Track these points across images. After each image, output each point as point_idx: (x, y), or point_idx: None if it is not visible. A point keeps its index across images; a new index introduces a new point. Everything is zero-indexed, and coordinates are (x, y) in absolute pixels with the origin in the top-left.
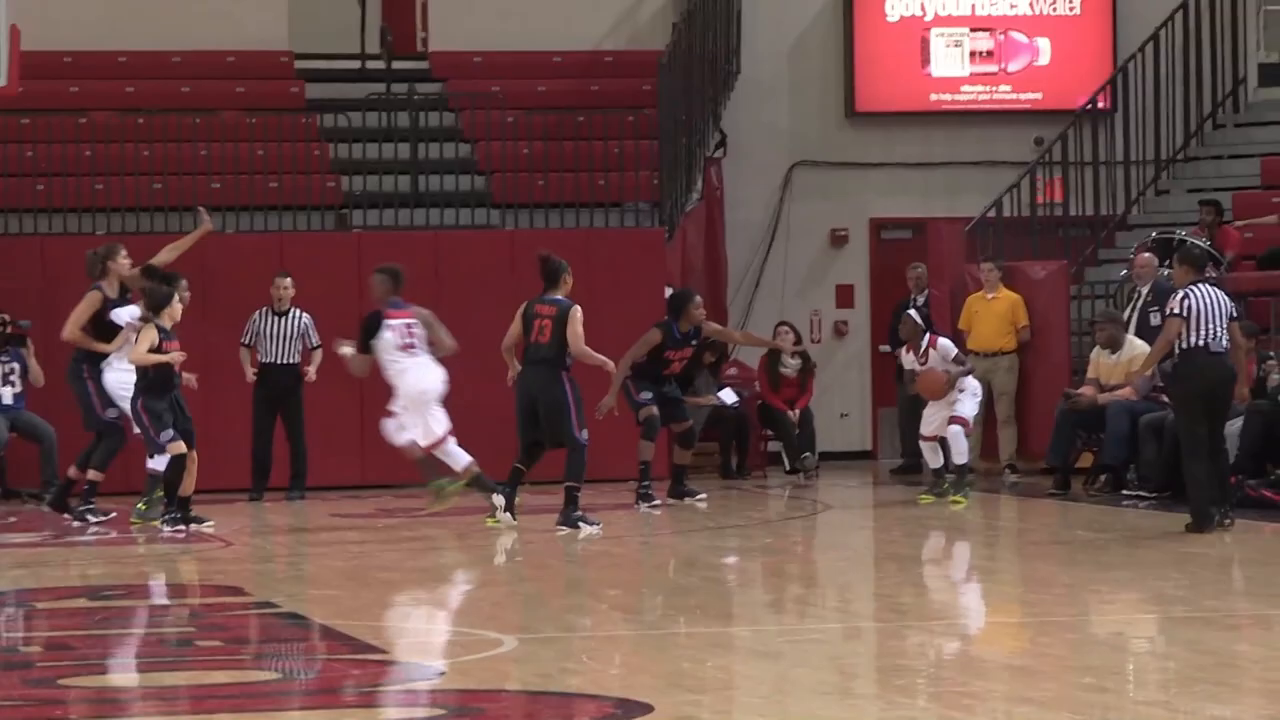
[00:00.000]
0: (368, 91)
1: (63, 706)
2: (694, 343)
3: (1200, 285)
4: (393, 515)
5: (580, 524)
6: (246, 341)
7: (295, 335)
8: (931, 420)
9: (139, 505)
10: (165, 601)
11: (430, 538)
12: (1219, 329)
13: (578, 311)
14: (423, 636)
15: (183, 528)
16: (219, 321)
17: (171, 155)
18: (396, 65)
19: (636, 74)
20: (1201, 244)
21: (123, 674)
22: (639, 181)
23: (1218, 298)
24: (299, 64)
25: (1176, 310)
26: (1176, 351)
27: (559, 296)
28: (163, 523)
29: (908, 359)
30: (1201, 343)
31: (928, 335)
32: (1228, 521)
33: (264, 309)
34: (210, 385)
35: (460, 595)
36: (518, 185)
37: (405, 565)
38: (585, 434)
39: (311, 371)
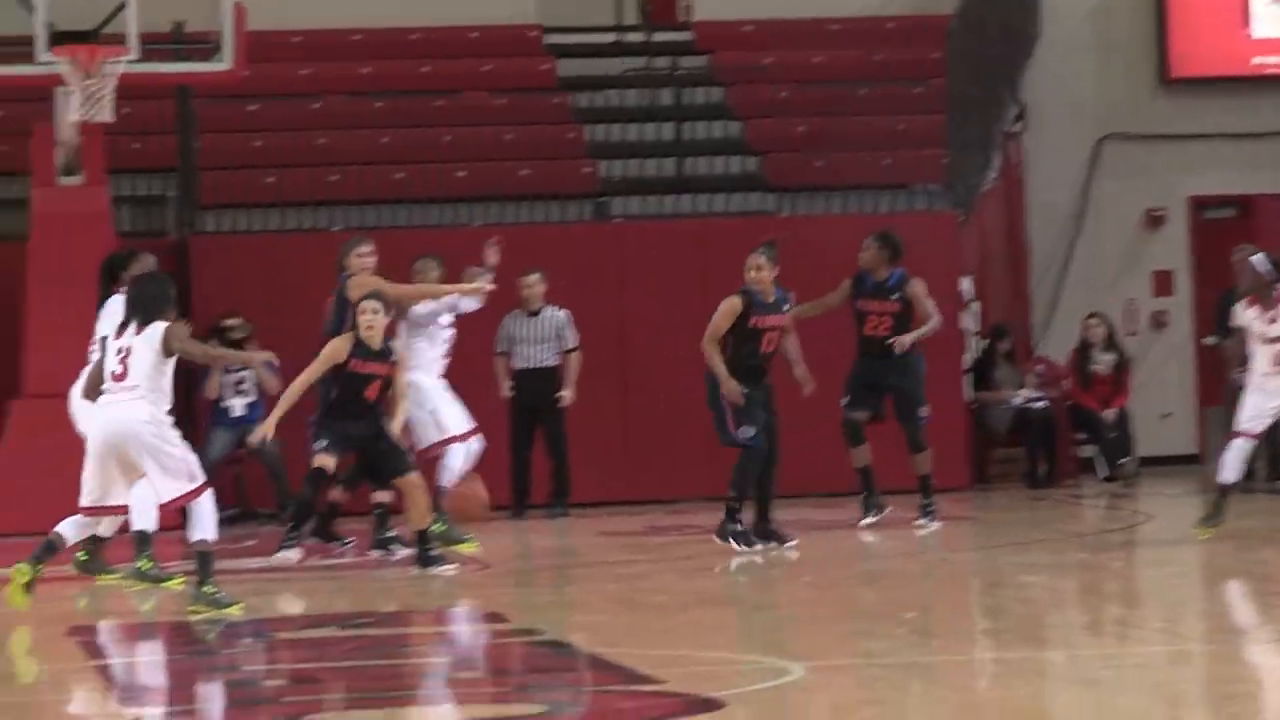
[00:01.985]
0: (625, 67)
1: None
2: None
3: None
4: (665, 533)
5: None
6: (501, 349)
7: (551, 336)
8: (1261, 411)
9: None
10: (420, 630)
11: (706, 557)
12: None
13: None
14: (700, 665)
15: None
16: (471, 327)
17: (412, 141)
18: (657, 37)
19: (923, 41)
20: None
21: (373, 709)
22: (927, 160)
23: None
24: (549, 38)
25: None
26: None
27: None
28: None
29: (1249, 315)
30: None
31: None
32: None
33: (515, 311)
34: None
35: (740, 619)
36: (792, 167)
37: (679, 587)
38: (747, 430)
39: (568, 394)
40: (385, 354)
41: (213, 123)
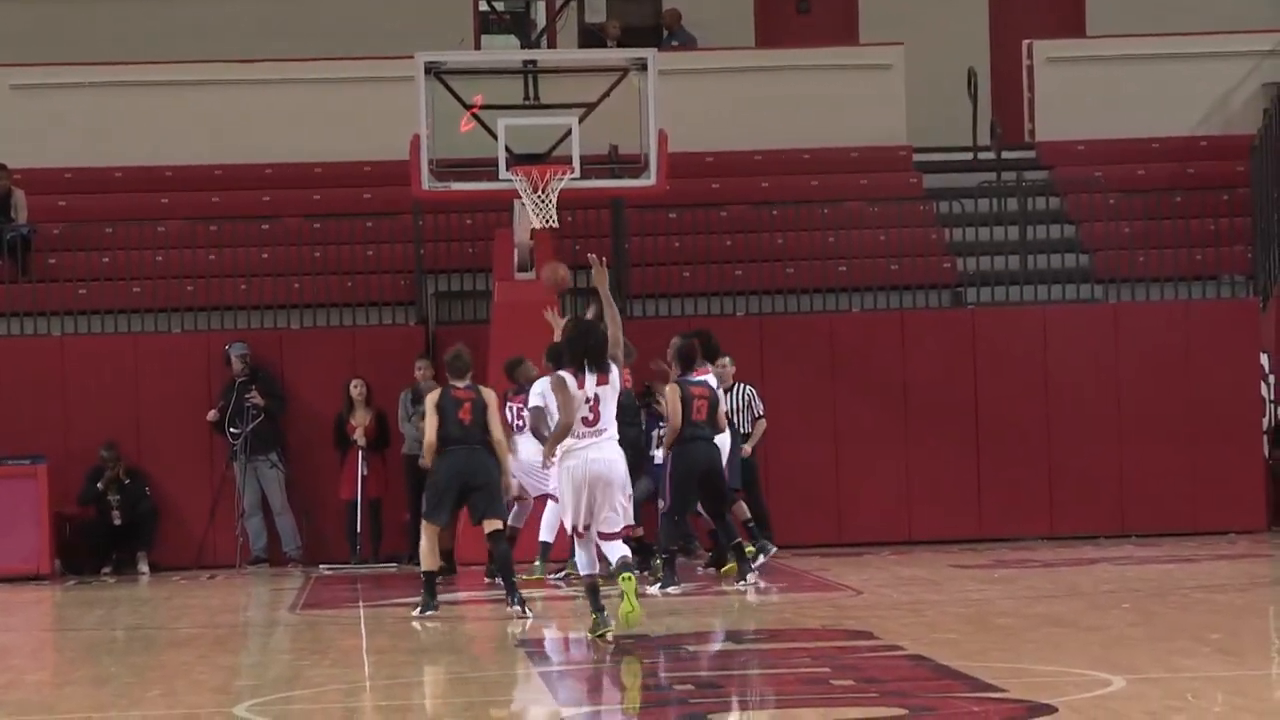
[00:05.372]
0: (980, 180)
1: None
2: None
3: None
4: (1009, 566)
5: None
6: None
7: (743, 407)
8: None
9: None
10: (802, 645)
11: (1042, 587)
12: None
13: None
14: (1038, 676)
15: None
16: (849, 390)
17: (803, 242)
18: (1006, 155)
19: (1229, 156)
20: None
21: (764, 710)
22: (1233, 256)
23: None
24: (917, 157)
25: None
26: None
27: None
28: None
29: None
30: None
31: None
32: None
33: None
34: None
35: (1075, 638)
36: (1119, 262)
37: (1022, 612)
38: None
39: (746, 448)
40: None
41: (640, 227)
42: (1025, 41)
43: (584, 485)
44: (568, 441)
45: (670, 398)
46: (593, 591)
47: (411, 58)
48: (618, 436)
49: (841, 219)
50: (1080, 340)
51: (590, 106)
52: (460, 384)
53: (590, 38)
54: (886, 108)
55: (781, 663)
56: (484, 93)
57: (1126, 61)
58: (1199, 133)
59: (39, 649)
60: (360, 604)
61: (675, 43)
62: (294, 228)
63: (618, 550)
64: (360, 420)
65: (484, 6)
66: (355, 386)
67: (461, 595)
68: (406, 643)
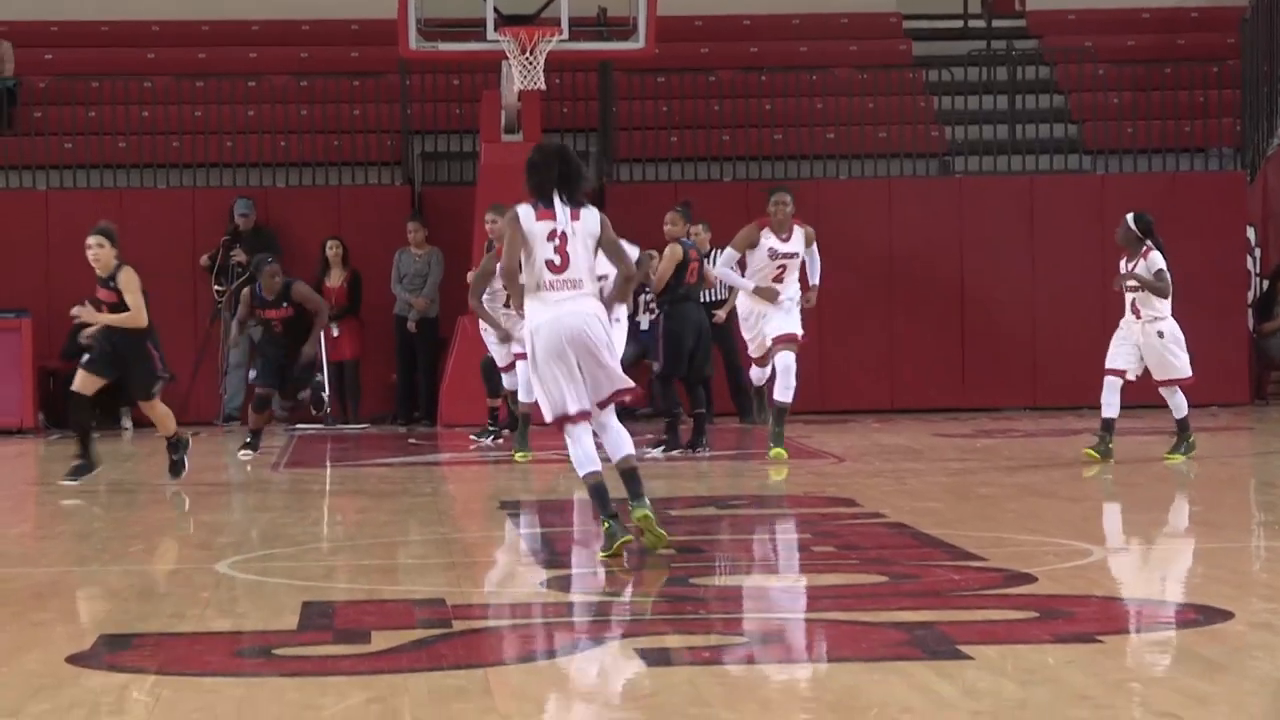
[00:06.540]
0: (970, 48)
1: (694, 603)
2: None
3: None
4: (991, 436)
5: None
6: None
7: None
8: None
9: None
10: (784, 510)
11: (1024, 457)
12: None
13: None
14: (1018, 546)
15: None
16: (834, 257)
17: (791, 109)
18: (996, 24)
19: (1219, 28)
20: None
21: (745, 575)
22: (1222, 128)
23: None
24: (907, 24)
25: None
26: None
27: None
28: None
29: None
30: None
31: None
32: None
33: None
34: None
35: (1055, 508)
36: (1108, 133)
37: (1003, 481)
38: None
39: (720, 314)
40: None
41: (628, 91)
42: None
43: (558, 350)
44: (531, 300)
45: (668, 255)
46: (598, 492)
47: None
48: (597, 292)
49: (830, 85)
50: (1067, 210)
51: None
52: None
53: None
54: None
55: (763, 528)
56: None
57: None
58: (1189, 4)
59: (21, 502)
60: (342, 464)
61: None
62: (280, 85)
63: (619, 444)
64: (334, 281)
65: None
66: (331, 247)
67: (444, 457)
68: (389, 503)
